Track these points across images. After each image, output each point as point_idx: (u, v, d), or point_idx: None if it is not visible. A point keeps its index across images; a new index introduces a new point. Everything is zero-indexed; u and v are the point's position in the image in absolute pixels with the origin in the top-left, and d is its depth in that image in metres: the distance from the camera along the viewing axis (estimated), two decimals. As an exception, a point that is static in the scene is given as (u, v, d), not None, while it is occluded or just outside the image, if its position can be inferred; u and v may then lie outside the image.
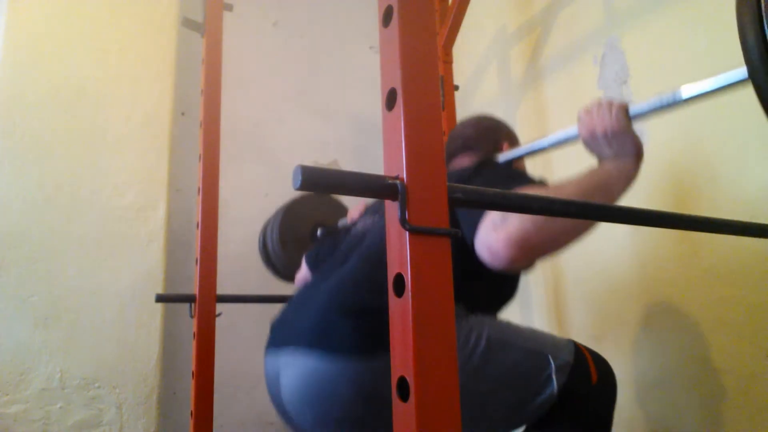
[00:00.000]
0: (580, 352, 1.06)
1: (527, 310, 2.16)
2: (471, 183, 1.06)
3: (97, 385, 1.89)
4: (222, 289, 1.80)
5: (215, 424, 1.66)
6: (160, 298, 1.77)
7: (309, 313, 1.03)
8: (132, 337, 1.97)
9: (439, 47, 2.18)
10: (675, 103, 1.01)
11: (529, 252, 0.86)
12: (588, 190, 0.95)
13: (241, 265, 2.33)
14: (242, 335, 2.27)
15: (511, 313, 1.23)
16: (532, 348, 1.03)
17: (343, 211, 1.95)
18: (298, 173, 0.53)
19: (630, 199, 1.67)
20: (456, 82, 2.22)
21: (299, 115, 2.73)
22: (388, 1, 0.62)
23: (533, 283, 2.13)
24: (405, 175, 0.56)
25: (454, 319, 0.56)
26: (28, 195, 1.93)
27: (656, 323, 1.59)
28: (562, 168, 1.94)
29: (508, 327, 1.06)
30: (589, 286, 1.86)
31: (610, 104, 1.08)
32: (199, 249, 1.75)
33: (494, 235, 0.85)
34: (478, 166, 1.14)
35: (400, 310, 0.55)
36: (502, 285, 1.15)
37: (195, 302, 1.70)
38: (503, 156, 1.31)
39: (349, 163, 2.77)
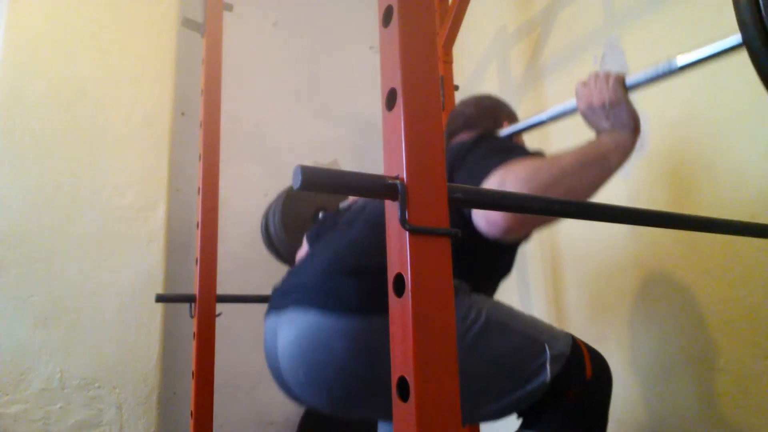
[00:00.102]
0: (577, 346, 1.06)
1: (526, 310, 2.16)
2: (469, 155, 1.06)
3: (97, 385, 1.89)
4: (222, 289, 1.81)
5: (215, 424, 1.66)
6: (160, 298, 1.77)
7: (311, 274, 1.04)
8: (132, 337, 1.97)
9: (439, 47, 2.18)
10: (671, 72, 1.02)
11: (526, 221, 0.86)
12: (585, 161, 0.95)
13: (241, 265, 2.34)
14: (242, 335, 2.27)
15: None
16: (530, 334, 1.02)
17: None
18: (298, 173, 0.53)
19: (630, 199, 1.68)
20: (456, 82, 2.22)
21: (299, 115, 2.73)
22: (388, 1, 0.62)
23: (533, 283, 2.13)
24: (405, 175, 0.56)
25: (454, 319, 0.56)
26: (28, 195, 1.93)
27: (656, 323, 1.59)
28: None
29: (510, 311, 1.06)
30: (588, 286, 1.86)
31: (607, 75, 1.08)
32: (199, 249, 1.75)
33: None
34: (476, 139, 1.13)
35: (400, 310, 0.55)
36: (499, 257, 1.14)
37: (195, 302, 1.70)
38: (503, 132, 1.33)
39: (349, 163, 2.77)
